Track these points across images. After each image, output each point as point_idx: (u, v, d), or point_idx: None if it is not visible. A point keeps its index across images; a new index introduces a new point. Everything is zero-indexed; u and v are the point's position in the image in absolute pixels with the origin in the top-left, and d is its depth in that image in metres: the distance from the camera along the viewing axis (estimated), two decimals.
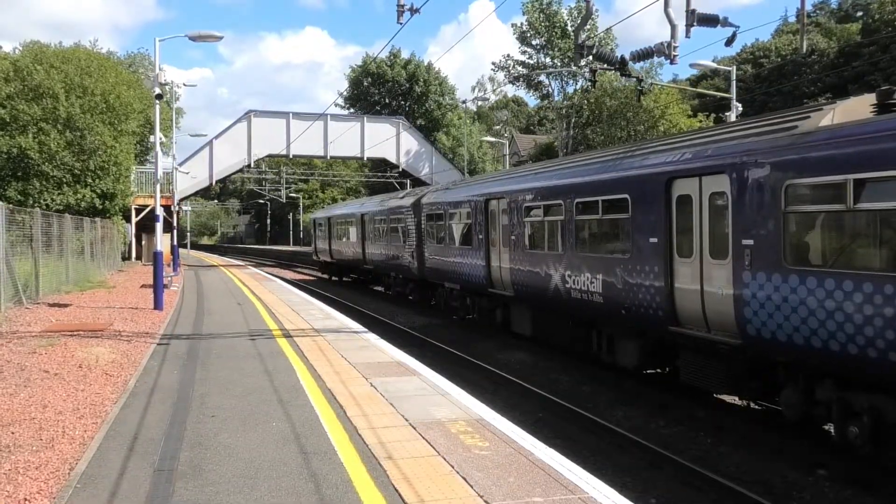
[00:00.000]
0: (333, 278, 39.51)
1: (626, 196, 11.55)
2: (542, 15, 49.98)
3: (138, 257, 44.11)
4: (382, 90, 71.64)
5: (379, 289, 32.15)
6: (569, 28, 48.97)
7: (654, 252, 10.82)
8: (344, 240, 35.25)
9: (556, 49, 50.22)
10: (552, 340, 15.33)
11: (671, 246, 10.52)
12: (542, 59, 52.17)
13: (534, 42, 51.57)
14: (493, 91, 76.12)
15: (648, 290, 10.92)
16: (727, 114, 26.08)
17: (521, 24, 51.79)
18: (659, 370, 12.58)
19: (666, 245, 10.56)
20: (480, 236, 17.83)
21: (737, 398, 10.95)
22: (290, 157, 52.93)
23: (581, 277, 12.86)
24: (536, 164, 17.78)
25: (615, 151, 13.29)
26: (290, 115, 46.56)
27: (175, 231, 40.03)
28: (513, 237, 15.88)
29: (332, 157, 55.43)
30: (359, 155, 49.20)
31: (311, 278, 42.50)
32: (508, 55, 54.23)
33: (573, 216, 13.25)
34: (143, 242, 44.34)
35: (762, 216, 8.78)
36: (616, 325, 12.38)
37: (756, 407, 10.79)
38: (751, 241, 8.90)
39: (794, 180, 8.36)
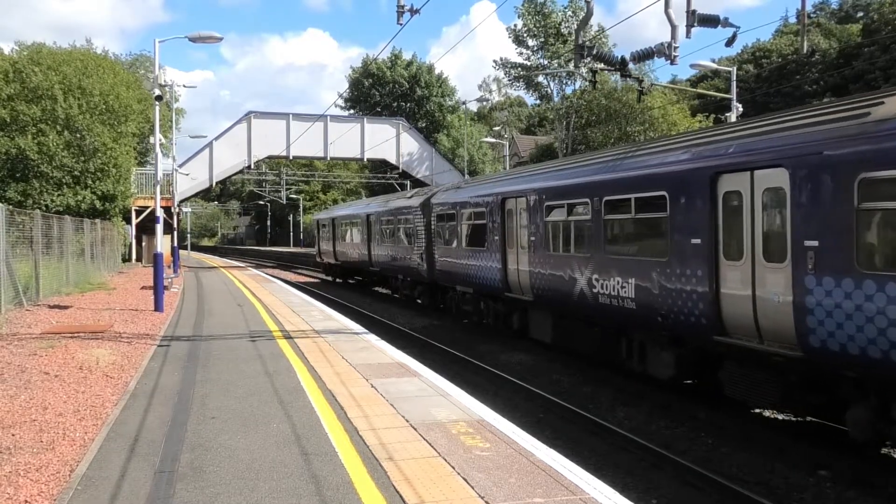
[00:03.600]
0: (337, 280, 38.82)
1: (664, 193, 10.61)
2: (537, 17, 50.02)
3: (138, 259, 44.10)
4: (383, 91, 71.69)
5: (383, 290, 31.45)
6: (563, 30, 49.03)
7: (696, 254, 9.91)
8: (349, 241, 34.36)
9: (551, 51, 50.26)
10: (575, 348, 14.37)
11: (716, 248, 9.63)
12: (540, 60, 52.22)
13: (529, 43, 51.65)
14: (499, 91, 76.19)
15: (689, 295, 10.00)
16: (727, 114, 26.07)
17: (516, 25, 51.91)
18: (693, 382, 11.68)
19: (710, 247, 9.67)
20: (496, 237, 16.91)
21: (788, 414, 10.36)
22: (291, 158, 53.02)
23: (610, 281, 11.96)
24: (558, 161, 16.83)
25: (649, 145, 12.39)
26: (291, 116, 46.59)
27: (175, 232, 40.06)
28: (532, 238, 15.01)
29: (332, 159, 55.52)
30: (359, 156, 49.23)
31: (312, 280, 42.50)
32: (506, 58, 54.36)
33: (601, 216, 12.33)
34: (144, 244, 44.33)
35: (830, 214, 7.93)
36: (650, 332, 11.42)
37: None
38: (815, 243, 8.04)
39: (869, 173, 7.49)
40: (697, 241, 9.92)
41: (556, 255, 14.07)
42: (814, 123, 8.48)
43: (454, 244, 19.94)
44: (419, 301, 25.10)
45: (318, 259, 42.43)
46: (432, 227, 22.06)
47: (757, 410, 10.78)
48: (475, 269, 18.27)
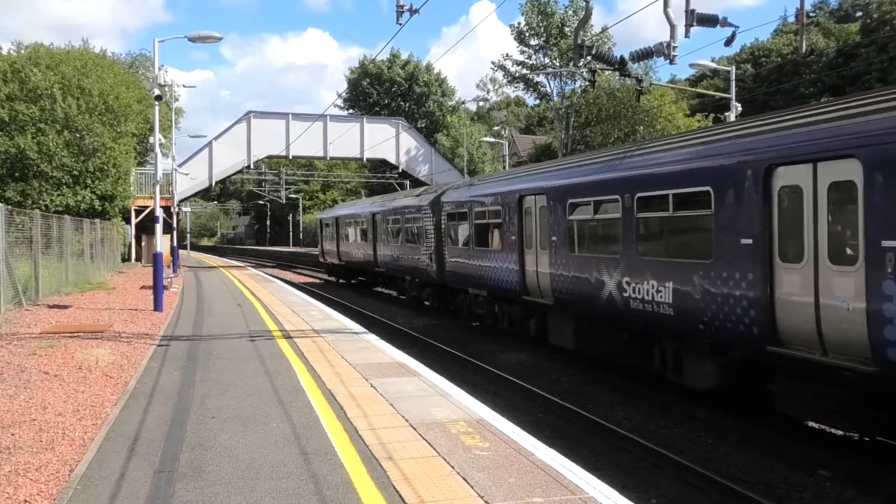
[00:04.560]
0: (340, 281, 38.02)
1: (708, 189, 9.74)
2: (540, 16, 50.07)
3: (138, 259, 44.10)
4: (381, 90, 71.69)
5: (388, 292, 30.73)
6: (566, 29, 49.10)
7: (746, 256, 9.03)
8: (353, 241, 33.42)
9: (553, 49, 50.33)
10: (601, 356, 13.58)
11: (771, 248, 8.76)
12: (541, 59, 52.27)
13: (532, 42, 51.69)
14: (495, 91, 76.22)
15: (738, 301, 9.14)
16: (726, 114, 26.07)
17: (519, 23, 51.95)
18: (737, 394, 10.68)
19: (763, 247, 8.80)
20: (513, 237, 15.95)
21: (852, 433, 9.36)
22: (290, 158, 52.99)
23: (644, 285, 11.06)
24: (582, 155, 15.61)
25: (688, 137, 11.39)
26: (290, 115, 46.60)
27: (175, 232, 40.04)
28: (553, 238, 14.08)
29: (331, 158, 55.52)
30: (358, 156, 49.25)
31: (312, 280, 42.49)
32: (507, 54, 54.35)
33: (633, 214, 11.43)
34: (143, 244, 44.33)
35: None
36: (689, 341, 10.53)
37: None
38: (895, 243, 7.22)
39: None
40: (748, 241, 9.02)
41: (580, 256, 13.20)
42: (892, 108, 7.60)
43: (466, 244, 19.09)
44: (427, 303, 24.34)
45: (321, 259, 41.59)
46: (442, 226, 21.22)
47: (756, 410, 10.77)
48: (489, 271, 17.39)
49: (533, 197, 15.25)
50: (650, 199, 11.19)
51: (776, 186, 8.78)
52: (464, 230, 19.39)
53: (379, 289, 32.21)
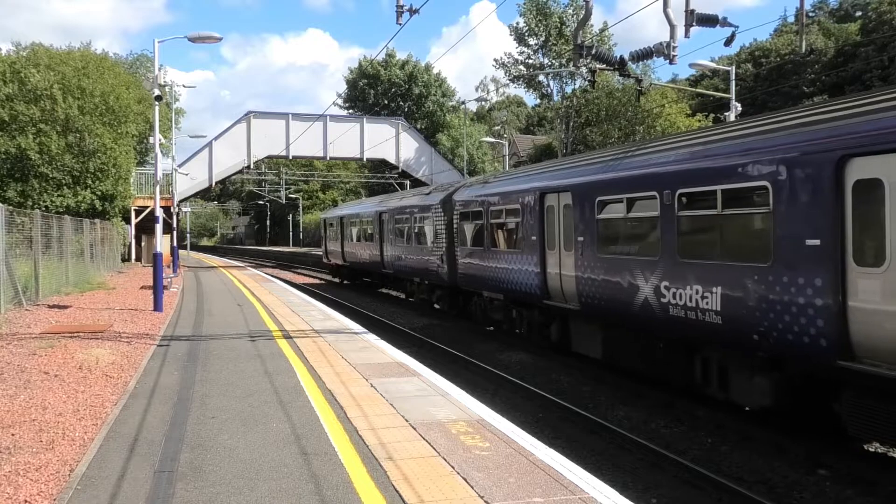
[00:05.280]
0: (345, 282, 37.12)
1: (765, 184, 8.82)
2: (538, 16, 50.11)
3: (138, 259, 44.12)
4: (378, 91, 71.71)
5: (395, 294, 29.93)
6: (565, 29, 49.14)
7: (813, 259, 8.10)
8: (359, 241, 32.29)
9: (552, 50, 50.37)
10: (631, 366, 12.50)
11: (843, 250, 7.83)
12: (541, 59, 52.30)
13: (531, 42, 51.73)
14: (496, 91, 76.28)
15: (802, 309, 8.23)
16: (726, 113, 26.09)
17: (518, 22, 52.01)
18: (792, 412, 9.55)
19: (834, 249, 7.88)
20: (533, 237, 15.03)
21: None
22: (290, 158, 53.02)
23: (686, 290, 10.10)
24: (613, 149, 14.49)
25: (738, 127, 10.27)
26: (290, 116, 46.61)
27: (175, 232, 40.04)
28: (580, 238, 13.10)
29: (331, 158, 55.54)
30: (358, 156, 49.27)
31: (312, 280, 42.49)
32: (509, 54, 54.44)
33: (674, 212, 10.43)
34: (143, 244, 44.36)
35: None
36: (739, 352, 9.61)
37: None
38: None
39: None
40: (814, 242, 8.09)
41: (610, 258, 12.20)
42: None
43: (481, 245, 18.09)
44: (436, 306, 23.44)
45: (325, 260, 40.72)
46: (454, 225, 20.26)
47: (756, 409, 10.75)
48: (506, 273, 16.41)
49: (556, 194, 14.31)
50: (694, 195, 10.21)
51: (850, 180, 7.80)
52: (478, 230, 18.43)
53: (386, 290, 31.44)
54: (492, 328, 18.73)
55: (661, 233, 10.74)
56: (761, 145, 9.07)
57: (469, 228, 19.16)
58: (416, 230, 23.82)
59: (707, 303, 9.72)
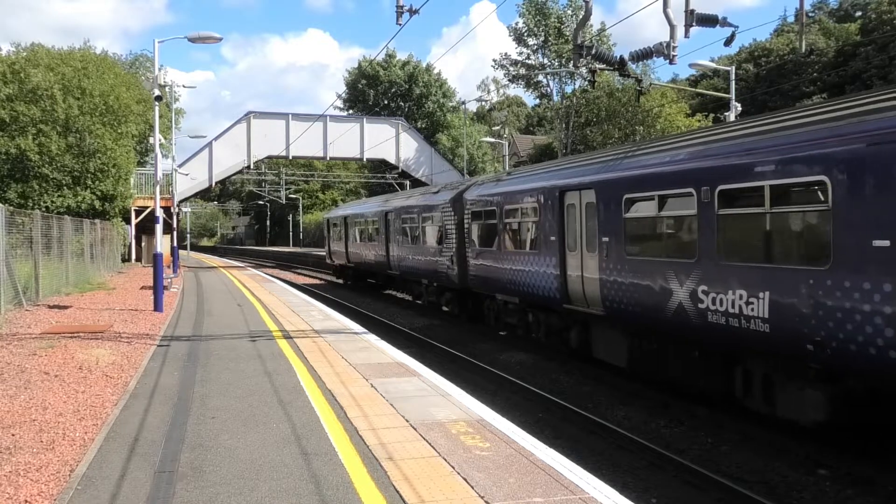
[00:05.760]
0: (349, 283, 36.11)
1: (823, 178, 8.03)
2: (537, 16, 50.16)
3: (138, 259, 44.14)
4: (378, 91, 71.77)
5: (401, 295, 29.03)
6: (564, 29, 49.18)
7: (882, 261, 7.36)
8: (364, 241, 31.30)
9: (551, 50, 50.42)
10: (661, 375, 11.65)
11: None
12: (540, 59, 52.33)
13: (530, 42, 51.77)
14: (497, 91, 76.33)
15: (868, 318, 7.50)
16: (726, 113, 26.10)
17: (517, 22, 52.07)
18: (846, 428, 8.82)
19: None
20: (552, 238, 14.24)
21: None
22: (290, 158, 53.06)
23: (728, 295, 9.34)
24: (643, 143, 13.57)
25: (789, 117, 9.38)
26: (290, 116, 46.66)
27: (175, 233, 40.05)
28: (605, 239, 12.34)
29: (331, 159, 55.62)
30: (358, 156, 49.33)
31: (312, 280, 42.50)
32: (506, 54, 54.43)
33: (714, 210, 9.64)
34: (143, 244, 44.39)
35: None
36: (789, 363, 8.83)
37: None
38: None
39: None
40: (883, 243, 7.34)
41: (640, 259, 11.42)
42: None
43: (494, 246, 17.28)
44: (445, 309, 22.48)
45: (329, 261, 39.65)
46: (465, 225, 19.39)
47: (756, 409, 10.75)
48: (522, 276, 15.59)
49: (577, 192, 13.49)
50: (737, 192, 9.42)
51: None
52: (491, 230, 17.65)
53: (391, 292, 30.69)
54: (503, 332, 17.98)
55: (699, 233, 9.95)
56: (818, 136, 8.23)
57: (481, 228, 18.42)
58: (424, 230, 23.06)
59: (752, 309, 8.95)
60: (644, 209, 11.50)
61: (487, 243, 17.87)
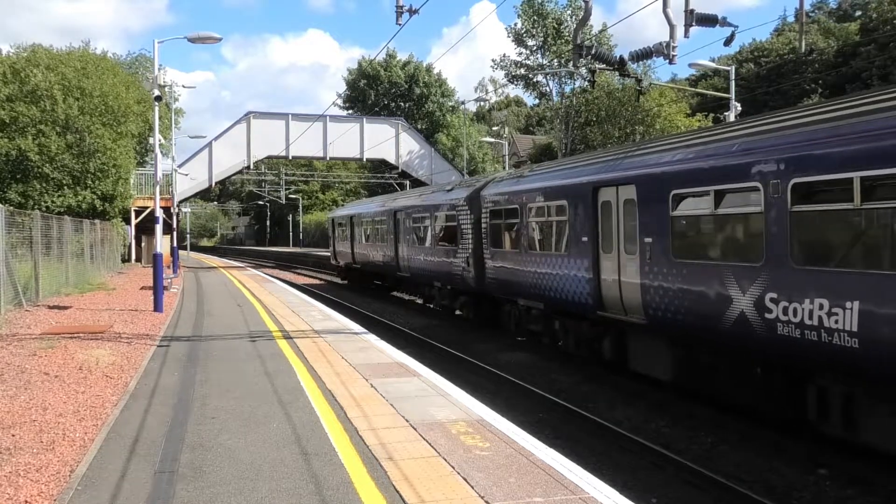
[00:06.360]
0: (349, 283, 35.46)
1: None
2: (536, 16, 50.21)
3: (138, 259, 44.15)
4: (378, 91, 71.82)
5: (409, 298, 28.30)
6: (563, 29, 49.23)
7: None
8: (371, 242, 30.07)
9: (550, 51, 50.47)
10: (712, 391, 10.52)
11: None
12: (539, 60, 52.36)
13: (529, 43, 51.82)
14: (495, 91, 76.39)
15: None
16: (726, 113, 26.10)
17: (516, 23, 52.11)
18: None
19: None
20: (584, 238, 13.14)
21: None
22: (290, 158, 53.07)
23: (803, 305, 8.22)
24: (692, 133, 12.25)
25: (876, 96, 8.21)
26: (290, 116, 46.68)
27: (174, 233, 40.06)
28: (647, 240, 11.18)
29: (331, 159, 55.66)
30: (358, 156, 49.34)
31: (312, 280, 42.50)
32: (505, 55, 54.55)
33: (786, 207, 8.49)
34: (143, 244, 44.41)
35: None
36: (883, 384, 7.77)
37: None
38: None
39: None
40: None
41: (690, 263, 10.24)
42: None
43: (516, 247, 16.17)
44: (459, 312, 21.51)
45: (333, 261, 38.40)
46: (483, 225, 18.25)
47: (756, 408, 10.74)
48: (548, 279, 14.47)
49: (613, 188, 12.36)
50: (817, 186, 8.28)
51: None
52: (513, 230, 16.51)
53: (399, 294, 30.05)
54: (523, 338, 17.02)
55: (767, 233, 8.80)
56: None
57: (501, 228, 17.20)
58: (437, 230, 21.90)
59: (836, 321, 7.83)
60: (696, 206, 10.32)
61: (508, 244, 16.80)
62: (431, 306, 24.28)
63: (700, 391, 10.84)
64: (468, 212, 19.21)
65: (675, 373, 11.12)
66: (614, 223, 12.34)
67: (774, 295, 8.66)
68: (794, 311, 8.36)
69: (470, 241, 18.97)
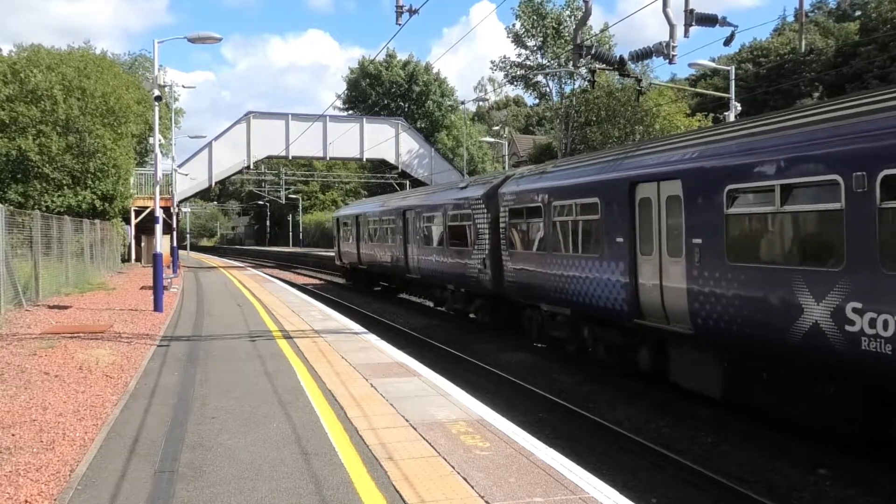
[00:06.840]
0: (354, 285, 34.52)
1: None
2: (535, 16, 50.25)
3: (138, 259, 44.15)
4: (380, 91, 71.85)
5: (418, 300, 27.44)
6: (562, 30, 49.26)
7: None
8: (379, 242, 28.82)
9: (549, 51, 50.51)
10: (773, 409, 9.52)
11: None
12: (539, 60, 52.40)
13: (528, 43, 51.85)
14: (494, 91, 76.43)
15: None
16: (726, 113, 26.11)
17: (515, 24, 52.13)
18: None
19: None
20: (619, 239, 12.06)
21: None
22: (290, 158, 53.08)
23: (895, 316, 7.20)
24: (749, 121, 10.69)
25: None
26: (290, 116, 46.68)
27: (174, 233, 40.06)
28: (696, 241, 10.08)
29: (331, 159, 55.69)
30: (358, 156, 49.34)
31: (312, 280, 42.50)
32: (505, 56, 54.59)
33: (874, 204, 7.40)
34: (143, 244, 44.41)
35: None
36: None
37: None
38: None
39: None
40: None
41: (750, 267, 9.15)
42: None
43: (539, 248, 15.11)
44: (472, 316, 20.59)
45: (339, 262, 37.23)
46: (501, 224, 17.19)
47: (756, 408, 10.72)
48: (576, 283, 13.45)
49: (654, 184, 11.25)
50: None
51: None
52: (535, 230, 15.40)
53: (406, 296, 29.30)
54: (542, 345, 16.15)
55: (848, 233, 7.74)
56: None
57: (522, 228, 16.11)
58: (450, 230, 20.76)
59: None
60: (757, 203, 9.19)
61: (530, 245, 15.68)
62: (443, 309, 23.32)
63: (757, 409, 9.89)
64: (485, 210, 18.22)
65: (726, 388, 10.12)
66: (655, 222, 11.25)
67: (858, 305, 7.60)
68: (885, 323, 7.26)
69: (487, 241, 18.03)
